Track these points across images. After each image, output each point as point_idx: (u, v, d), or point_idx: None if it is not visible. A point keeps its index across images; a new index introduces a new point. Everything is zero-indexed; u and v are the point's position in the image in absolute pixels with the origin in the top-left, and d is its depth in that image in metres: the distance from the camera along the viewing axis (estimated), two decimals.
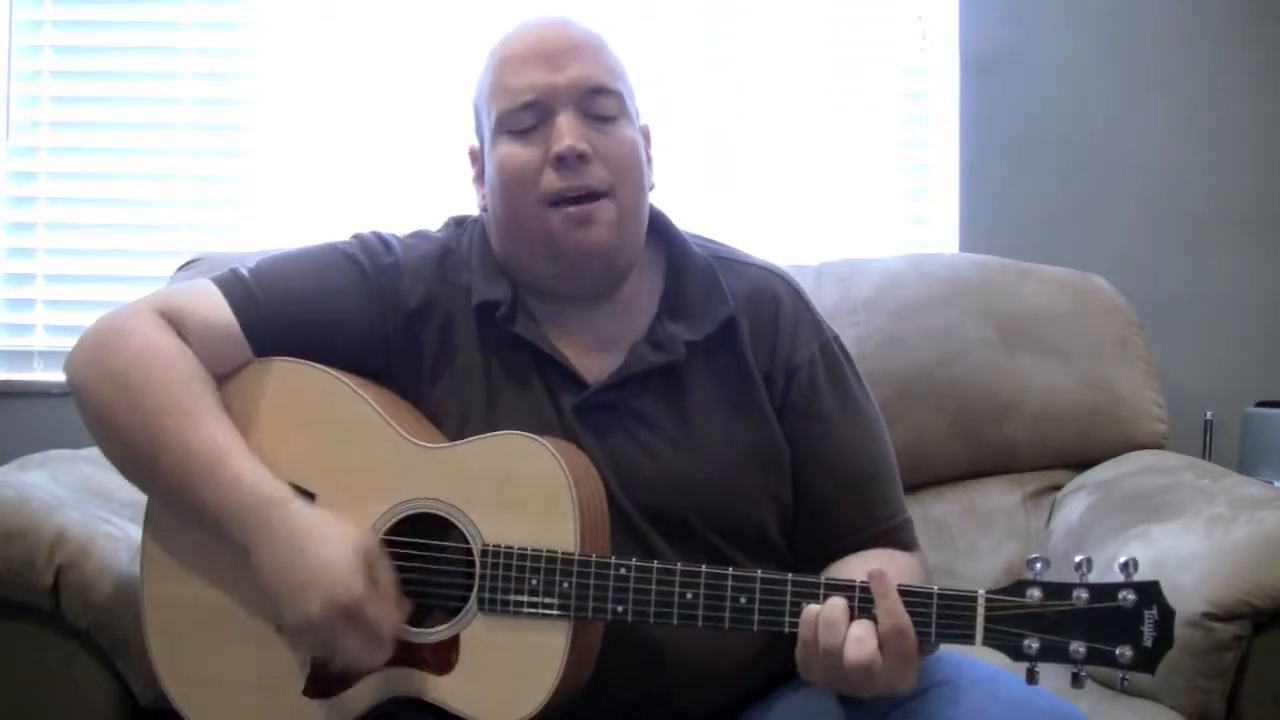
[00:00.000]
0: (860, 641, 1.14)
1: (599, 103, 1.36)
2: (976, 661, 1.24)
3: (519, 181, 1.36)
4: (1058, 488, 2.11)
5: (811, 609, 1.17)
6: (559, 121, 1.34)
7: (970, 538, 2.07)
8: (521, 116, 1.36)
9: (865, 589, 1.18)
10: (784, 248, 2.50)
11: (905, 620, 1.14)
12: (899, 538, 1.42)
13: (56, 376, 2.47)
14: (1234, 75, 2.55)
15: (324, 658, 1.26)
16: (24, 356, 2.58)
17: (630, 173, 1.37)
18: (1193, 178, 2.55)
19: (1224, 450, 2.45)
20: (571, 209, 1.34)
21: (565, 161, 1.33)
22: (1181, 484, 1.84)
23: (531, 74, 1.35)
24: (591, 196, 1.35)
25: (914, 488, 2.05)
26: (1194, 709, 1.53)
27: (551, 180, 1.34)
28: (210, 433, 1.28)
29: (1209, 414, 2.49)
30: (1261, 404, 2.39)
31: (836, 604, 1.16)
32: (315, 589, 1.21)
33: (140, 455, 1.31)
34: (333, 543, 1.23)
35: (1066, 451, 2.13)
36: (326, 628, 1.22)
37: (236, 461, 1.27)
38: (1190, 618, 1.49)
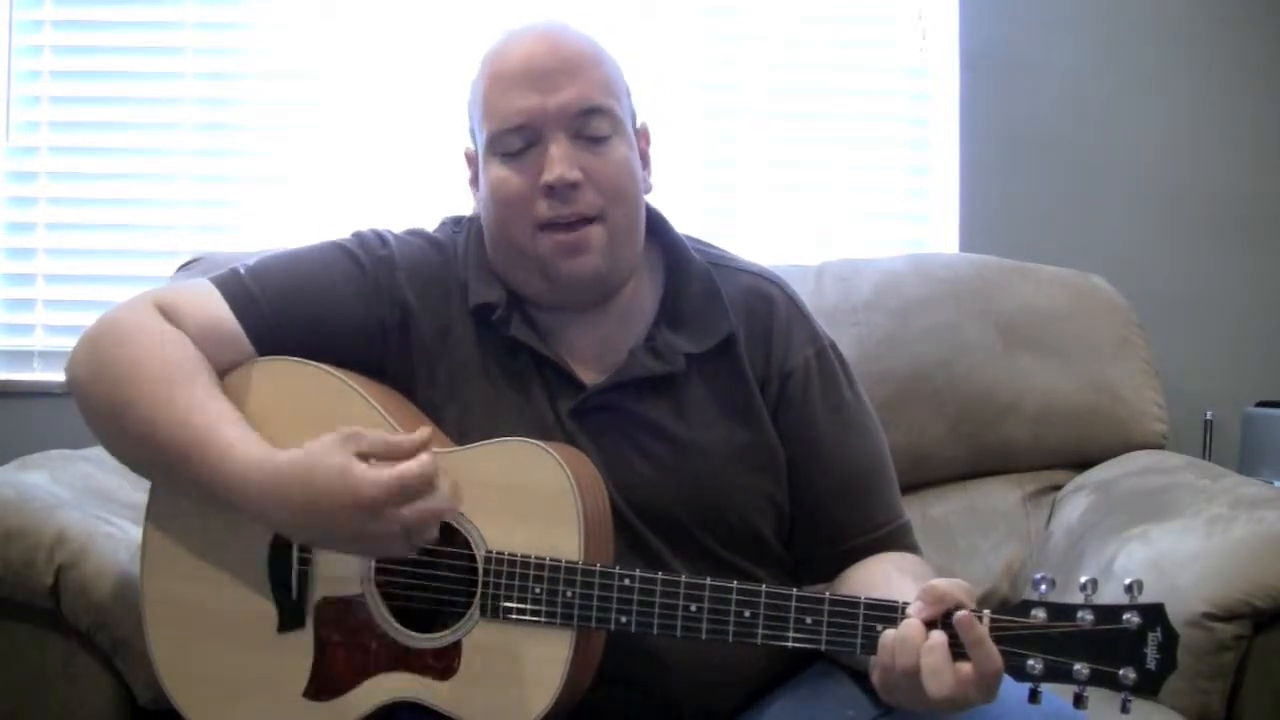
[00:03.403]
0: (937, 675, 1.10)
1: (591, 124, 1.34)
2: None
3: (510, 206, 1.35)
4: (1058, 488, 2.11)
5: (888, 634, 1.14)
6: (549, 149, 1.33)
7: (970, 538, 2.07)
8: (511, 140, 1.34)
9: (871, 605, 1.18)
10: (784, 248, 2.52)
11: (1000, 663, 1.11)
12: (898, 542, 1.42)
13: (56, 376, 2.47)
14: (1234, 74, 2.55)
15: (406, 552, 1.23)
16: (24, 356, 2.58)
17: (623, 194, 1.36)
18: (1193, 177, 2.55)
19: (1224, 450, 2.45)
20: (562, 236, 1.34)
21: (555, 191, 1.32)
22: (1181, 484, 1.84)
23: (520, 97, 1.33)
24: (583, 221, 1.34)
25: (914, 488, 2.05)
26: (1194, 709, 1.52)
27: (542, 208, 1.33)
28: (200, 412, 1.27)
29: (1209, 414, 2.49)
30: (1261, 404, 2.39)
31: (910, 624, 1.13)
32: (343, 506, 1.18)
33: (138, 436, 1.30)
34: (325, 461, 1.20)
35: (1066, 451, 2.13)
36: (382, 524, 1.19)
37: (225, 430, 1.25)
38: (1190, 618, 1.49)
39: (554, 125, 1.33)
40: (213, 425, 1.26)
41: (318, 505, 1.20)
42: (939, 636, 1.12)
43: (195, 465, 1.25)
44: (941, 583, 1.15)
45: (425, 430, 1.24)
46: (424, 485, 1.20)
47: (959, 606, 1.13)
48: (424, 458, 1.21)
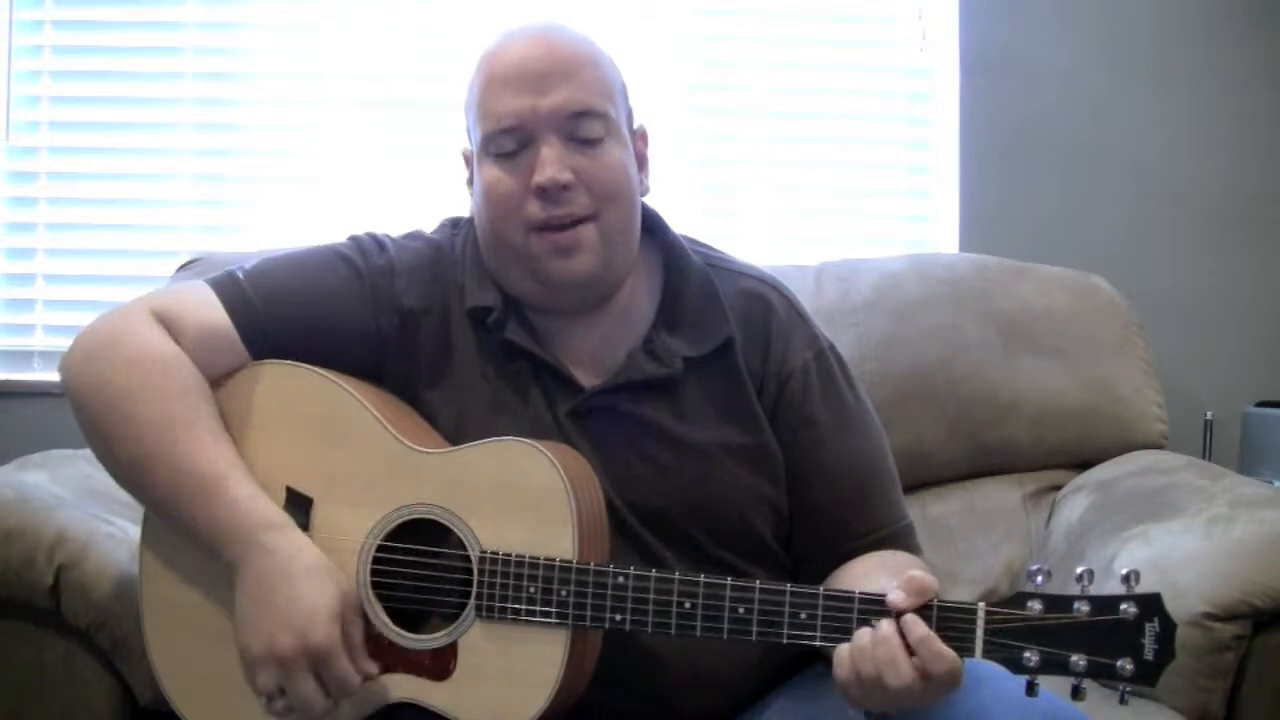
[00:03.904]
0: (894, 665, 1.12)
1: (584, 126, 1.34)
2: (974, 661, 1.24)
3: (503, 207, 1.35)
4: (1058, 488, 2.11)
5: (842, 649, 1.15)
6: (541, 150, 1.33)
7: (970, 538, 2.07)
8: (504, 141, 1.34)
9: (865, 599, 1.18)
10: (784, 248, 2.51)
11: (948, 658, 1.12)
12: (901, 543, 1.42)
13: (56, 376, 2.45)
14: (1234, 74, 2.55)
15: (269, 692, 1.24)
16: (24, 356, 2.58)
17: (616, 196, 1.36)
18: (1193, 177, 2.55)
19: (1224, 450, 2.45)
20: (555, 236, 1.34)
21: (547, 193, 1.32)
22: (1181, 484, 1.84)
23: (513, 98, 1.33)
24: (575, 221, 1.34)
25: (914, 488, 2.05)
26: (1194, 709, 1.53)
27: (534, 209, 1.33)
28: (208, 452, 1.27)
29: (1209, 414, 2.49)
30: (1261, 404, 2.39)
31: (860, 633, 1.15)
32: (293, 622, 1.21)
33: (133, 466, 1.30)
34: (321, 583, 1.23)
35: (1066, 451, 2.13)
36: (290, 665, 1.21)
37: (235, 485, 1.26)
38: (1190, 618, 1.49)
39: (546, 127, 1.33)
40: (214, 472, 1.26)
41: (275, 590, 1.22)
42: (886, 628, 1.13)
43: (189, 509, 1.26)
44: (919, 575, 1.16)
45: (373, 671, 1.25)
46: (341, 685, 1.22)
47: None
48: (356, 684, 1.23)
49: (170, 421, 1.28)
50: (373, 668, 1.25)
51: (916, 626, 1.12)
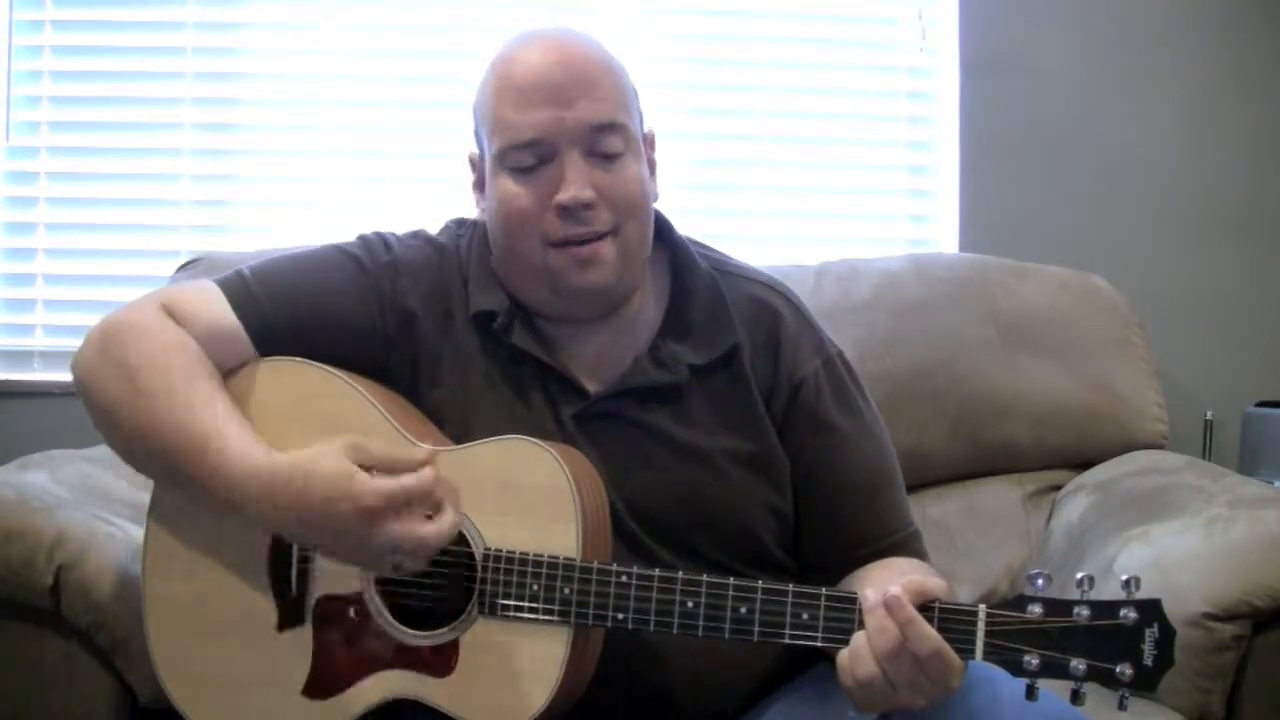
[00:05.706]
0: (883, 631, 1.13)
1: (605, 140, 1.33)
2: (975, 663, 1.24)
3: (520, 222, 1.34)
4: (1058, 488, 2.11)
5: (842, 654, 1.16)
6: (565, 168, 1.31)
7: (970, 538, 2.07)
8: (523, 155, 1.33)
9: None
10: (784, 248, 2.51)
11: (934, 642, 1.12)
12: (908, 549, 1.42)
13: (56, 376, 2.48)
14: (1234, 75, 2.55)
15: (415, 560, 1.22)
16: (24, 356, 2.58)
17: (635, 211, 1.35)
18: (1193, 177, 2.56)
19: (1224, 450, 2.45)
20: (574, 250, 1.33)
21: (569, 211, 1.31)
22: (1181, 484, 1.84)
23: (535, 111, 1.31)
24: (594, 236, 1.33)
25: (914, 488, 2.03)
26: (1194, 709, 1.53)
27: (555, 225, 1.32)
28: (202, 412, 1.27)
29: (1209, 414, 2.49)
30: (1261, 404, 2.39)
31: (857, 636, 1.16)
32: (342, 525, 1.19)
33: (138, 439, 1.30)
34: (321, 471, 1.20)
35: (1066, 451, 2.13)
36: (390, 541, 1.19)
37: (222, 438, 1.25)
38: (1190, 618, 1.49)
39: (567, 142, 1.32)
40: (213, 425, 1.26)
41: (315, 509, 1.20)
42: (880, 618, 1.13)
43: (194, 464, 1.26)
44: (918, 578, 1.16)
45: (427, 447, 1.24)
46: (423, 499, 1.20)
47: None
48: (425, 472, 1.21)
49: (168, 390, 1.28)
50: (426, 450, 1.22)
51: (903, 609, 1.12)
